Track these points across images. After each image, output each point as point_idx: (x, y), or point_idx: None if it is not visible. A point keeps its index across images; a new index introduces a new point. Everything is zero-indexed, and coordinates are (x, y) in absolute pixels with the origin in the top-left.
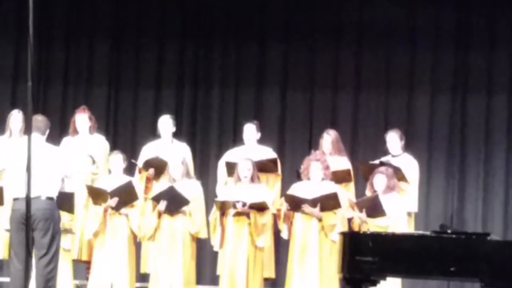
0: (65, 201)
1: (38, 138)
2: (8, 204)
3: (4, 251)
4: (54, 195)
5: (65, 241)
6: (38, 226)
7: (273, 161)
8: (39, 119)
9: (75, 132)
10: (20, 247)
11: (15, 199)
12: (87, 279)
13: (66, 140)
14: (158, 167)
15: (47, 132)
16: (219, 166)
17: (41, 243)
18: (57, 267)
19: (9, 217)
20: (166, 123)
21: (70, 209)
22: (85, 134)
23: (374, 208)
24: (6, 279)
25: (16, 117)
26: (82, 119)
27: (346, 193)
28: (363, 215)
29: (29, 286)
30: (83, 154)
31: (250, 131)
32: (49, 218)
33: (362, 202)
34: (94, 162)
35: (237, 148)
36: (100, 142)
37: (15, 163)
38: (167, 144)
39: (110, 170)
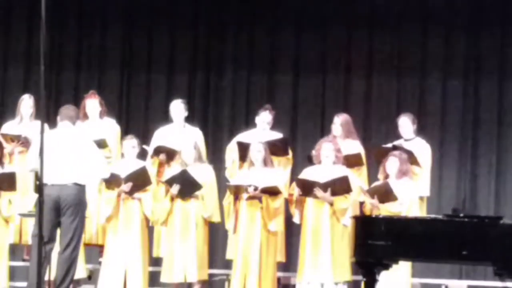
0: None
1: (68, 127)
2: (21, 190)
3: (15, 236)
4: (82, 181)
5: None
6: (67, 211)
7: (283, 142)
8: (70, 108)
9: (85, 117)
10: (47, 233)
11: (46, 185)
12: (99, 263)
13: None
14: (169, 153)
15: (77, 121)
16: (227, 150)
17: (70, 228)
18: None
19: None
20: (178, 108)
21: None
22: (95, 119)
23: (385, 194)
24: (18, 263)
25: (27, 102)
26: (92, 104)
27: (357, 179)
28: (375, 201)
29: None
30: (93, 139)
31: (267, 118)
32: (78, 204)
33: (373, 190)
34: (106, 146)
35: (246, 132)
36: (111, 126)
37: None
38: (179, 129)
39: (123, 154)
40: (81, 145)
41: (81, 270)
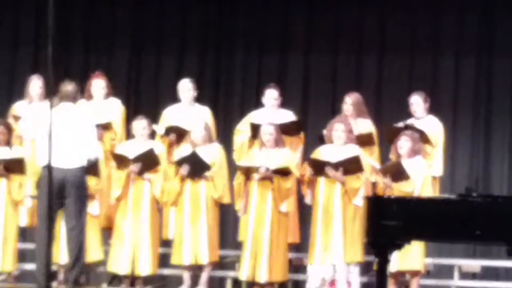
0: (91, 166)
1: (70, 107)
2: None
3: (28, 218)
4: (84, 163)
5: (93, 207)
6: (71, 193)
7: (297, 124)
8: (69, 86)
9: (90, 97)
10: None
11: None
12: (109, 245)
13: (80, 104)
14: (179, 132)
15: (78, 97)
16: (236, 132)
17: (74, 209)
18: None
19: (36, 184)
20: (185, 87)
21: (96, 173)
22: (100, 99)
23: (397, 173)
24: (29, 246)
25: (36, 83)
26: (97, 84)
27: (369, 159)
28: (388, 180)
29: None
30: (99, 122)
31: (273, 95)
32: (81, 185)
33: (385, 169)
34: (111, 128)
35: (258, 111)
36: (116, 106)
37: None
38: (188, 108)
39: (134, 135)
40: (82, 126)
41: (99, 252)
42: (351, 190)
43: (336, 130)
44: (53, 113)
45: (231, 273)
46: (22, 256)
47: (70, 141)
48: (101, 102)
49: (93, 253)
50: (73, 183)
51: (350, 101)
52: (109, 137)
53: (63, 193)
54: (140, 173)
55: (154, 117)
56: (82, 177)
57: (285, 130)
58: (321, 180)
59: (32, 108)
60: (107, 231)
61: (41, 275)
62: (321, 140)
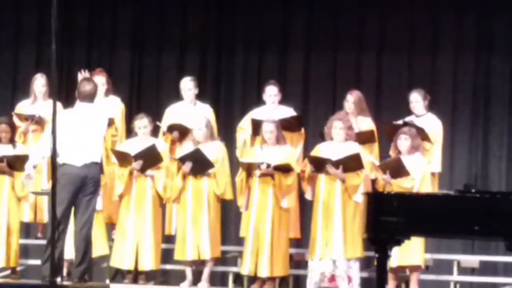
0: None
1: (88, 106)
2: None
3: (30, 214)
4: (99, 159)
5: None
6: (89, 190)
7: (297, 119)
8: (88, 86)
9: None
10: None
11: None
12: (112, 240)
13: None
14: (181, 130)
15: (95, 98)
16: (238, 129)
17: (89, 206)
18: None
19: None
20: (187, 85)
21: (101, 169)
22: (100, 96)
23: (397, 170)
24: (32, 241)
25: (39, 81)
26: (98, 81)
27: (369, 156)
28: (388, 176)
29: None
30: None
31: (273, 91)
32: (98, 181)
33: (384, 165)
34: (113, 124)
35: (259, 108)
36: (116, 104)
37: (67, 131)
38: (190, 106)
39: (136, 132)
40: (99, 123)
41: (104, 247)
42: (351, 187)
43: (335, 127)
44: (72, 113)
45: (233, 269)
46: (25, 252)
47: (89, 138)
48: (101, 99)
49: (98, 247)
50: (94, 179)
51: (352, 99)
52: (110, 133)
53: (83, 189)
54: (143, 170)
55: (156, 115)
56: (100, 173)
57: (286, 126)
58: (322, 177)
59: (36, 108)
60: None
61: (47, 270)
62: (322, 137)
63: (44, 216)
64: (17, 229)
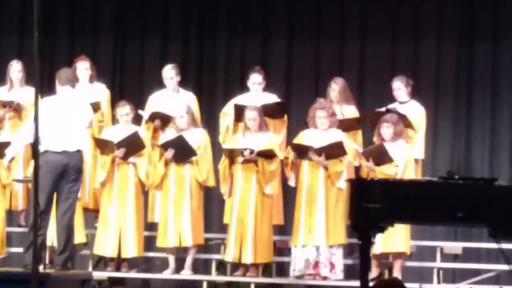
0: None
1: (70, 91)
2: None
3: (13, 201)
4: (83, 147)
5: None
6: (71, 177)
7: (280, 105)
8: (68, 72)
9: (76, 80)
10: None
11: (51, 152)
12: (95, 228)
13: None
14: (163, 119)
15: (77, 84)
16: (221, 115)
17: (71, 194)
18: None
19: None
20: (169, 73)
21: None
22: (85, 83)
23: (380, 156)
24: (14, 229)
25: (15, 67)
26: (82, 66)
27: (352, 143)
28: (371, 163)
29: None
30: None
31: (257, 79)
32: (80, 169)
33: (368, 152)
34: (99, 109)
35: (242, 95)
36: (101, 90)
37: (49, 118)
38: (173, 94)
39: (118, 120)
40: (82, 110)
41: (81, 235)
42: (334, 173)
43: (319, 117)
44: (55, 100)
45: (216, 256)
46: (7, 240)
47: (72, 126)
48: (87, 86)
49: (76, 235)
50: (76, 166)
51: (337, 88)
52: (97, 119)
53: (65, 177)
54: (125, 157)
55: (138, 103)
56: (82, 161)
57: (269, 112)
58: (305, 164)
59: (13, 94)
60: (92, 214)
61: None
62: (307, 126)
63: (19, 203)
64: (3, 217)
